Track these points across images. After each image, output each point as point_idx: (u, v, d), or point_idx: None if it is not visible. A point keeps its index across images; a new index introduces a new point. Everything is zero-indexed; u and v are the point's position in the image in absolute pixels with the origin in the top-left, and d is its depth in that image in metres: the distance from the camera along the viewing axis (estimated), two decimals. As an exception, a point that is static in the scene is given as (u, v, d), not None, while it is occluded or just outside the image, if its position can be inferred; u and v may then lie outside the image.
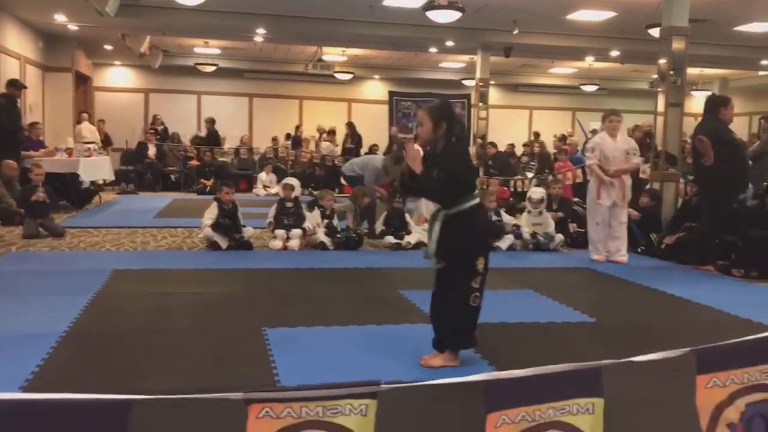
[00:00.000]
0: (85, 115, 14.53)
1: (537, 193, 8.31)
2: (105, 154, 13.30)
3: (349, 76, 17.71)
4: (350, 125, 16.40)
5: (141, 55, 15.06)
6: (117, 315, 4.68)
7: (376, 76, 19.33)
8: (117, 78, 18.01)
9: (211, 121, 16.18)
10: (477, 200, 3.69)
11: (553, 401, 1.46)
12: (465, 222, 3.61)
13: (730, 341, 1.69)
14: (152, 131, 15.80)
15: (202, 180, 14.42)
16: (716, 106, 7.03)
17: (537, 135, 17.04)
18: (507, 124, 18.83)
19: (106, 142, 15.34)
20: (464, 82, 18.52)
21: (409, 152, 3.71)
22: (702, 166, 7.00)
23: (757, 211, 7.02)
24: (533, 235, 8.03)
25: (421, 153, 3.68)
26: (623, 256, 7.30)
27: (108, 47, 15.50)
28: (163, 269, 6.31)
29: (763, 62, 15.30)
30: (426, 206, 8.57)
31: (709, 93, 17.14)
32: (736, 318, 5.01)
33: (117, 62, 17.58)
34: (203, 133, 16.44)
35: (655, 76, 9.22)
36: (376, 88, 19.52)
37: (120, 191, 13.89)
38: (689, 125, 9.12)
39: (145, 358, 3.79)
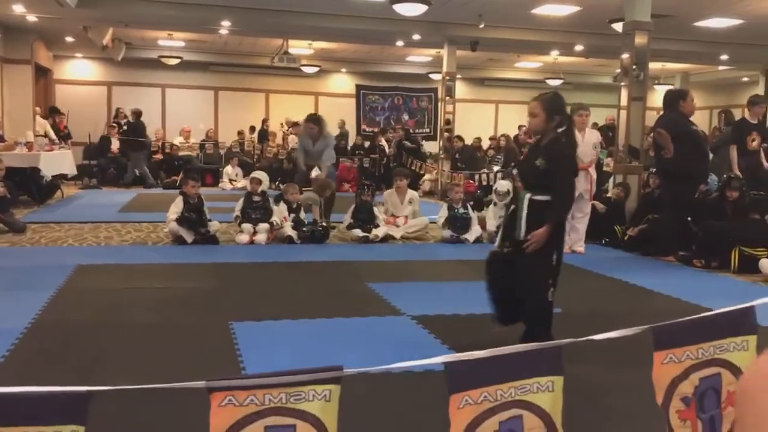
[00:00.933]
0: (37, 108, 14.18)
1: (503, 185, 8.38)
2: (66, 148, 13.05)
3: (316, 69, 17.63)
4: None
5: (103, 47, 14.78)
6: (81, 310, 4.62)
7: (343, 70, 19.25)
8: (78, 70, 17.67)
9: (136, 113, 15.17)
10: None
11: (514, 380, 1.49)
12: (547, 211, 3.65)
13: (686, 318, 1.73)
14: (115, 125, 15.53)
15: (172, 177, 14.23)
16: (675, 99, 7.17)
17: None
18: (473, 118, 18.93)
19: (66, 136, 15.01)
20: (431, 75, 18.55)
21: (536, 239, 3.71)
22: (663, 159, 7.13)
23: (717, 202, 7.17)
24: (499, 227, 8.08)
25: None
26: (581, 247, 7.43)
27: (69, 39, 15.19)
28: (128, 264, 6.22)
29: (723, 57, 15.60)
30: (391, 201, 8.58)
31: (671, 87, 17.46)
32: (697, 307, 5.11)
33: (78, 54, 17.24)
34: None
35: (619, 70, 9.34)
36: (343, 82, 19.46)
37: (83, 186, 13.66)
38: (652, 119, 9.27)
39: (110, 352, 3.75)
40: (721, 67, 17.81)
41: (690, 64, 17.84)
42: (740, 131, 7.96)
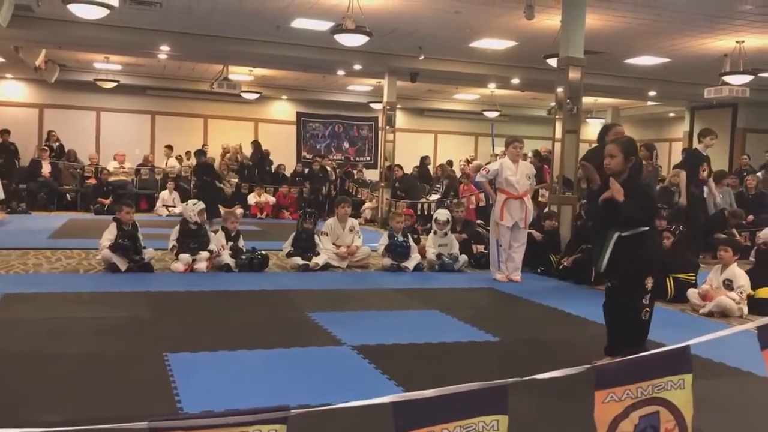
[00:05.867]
0: None
1: (443, 214, 8.48)
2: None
3: (256, 96, 17.56)
4: (255, 143, 16.33)
5: (36, 68, 14.38)
6: (7, 342, 4.42)
7: (284, 97, 19.24)
8: (9, 92, 17.12)
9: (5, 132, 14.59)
10: (648, 227, 4.13)
11: (460, 419, 1.49)
12: (637, 245, 4.04)
13: (625, 358, 1.78)
14: (46, 148, 15.07)
15: (100, 199, 13.91)
16: (605, 133, 7.40)
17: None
18: (413, 148, 19.15)
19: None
20: (372, 105, 18.72)
21: (615, 187, 4.03)
22: (591, 191, 7.36)
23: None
24: (439, 256, 8.17)
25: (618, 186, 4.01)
26: (518, 275, 7.59)
27: (-1, 59, 14.74)
28: (58, 293, 6.00)
29: (651, 93, 16.28)
30: (334, 231, 8.54)
31: (603, 121, 18.12)
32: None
33: (9, 75, 16.72)
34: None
35: (553, 103, 9.62)
36: (284, 109, 19.43)
37: (10, 211, 13.17)
38: (584, 151, 9.55)
39: (38, 387, 3.59)
40: (649, 103, 18.58)
41: (620, 99, 18.55)
42: (694, 161, 8.46)
